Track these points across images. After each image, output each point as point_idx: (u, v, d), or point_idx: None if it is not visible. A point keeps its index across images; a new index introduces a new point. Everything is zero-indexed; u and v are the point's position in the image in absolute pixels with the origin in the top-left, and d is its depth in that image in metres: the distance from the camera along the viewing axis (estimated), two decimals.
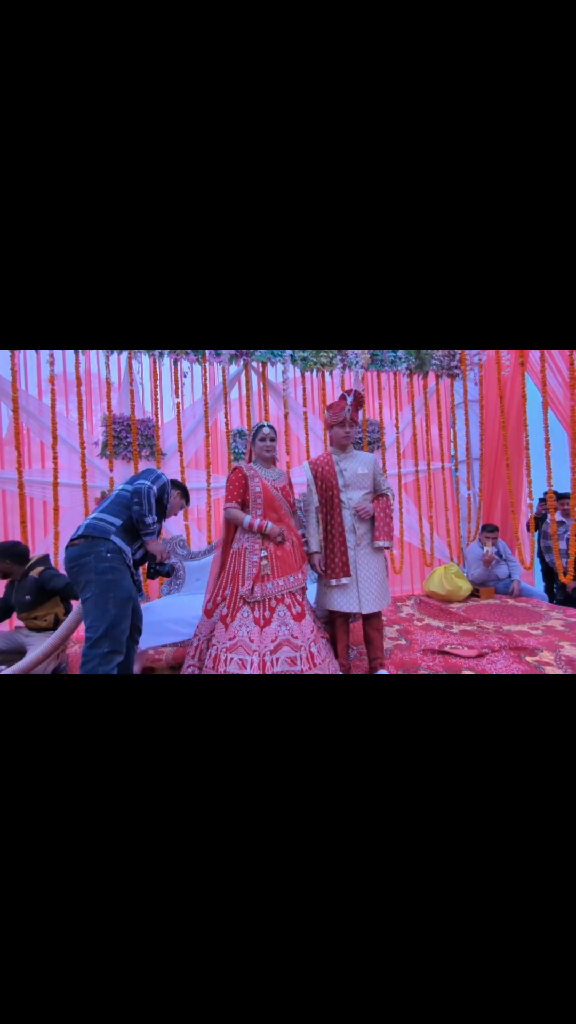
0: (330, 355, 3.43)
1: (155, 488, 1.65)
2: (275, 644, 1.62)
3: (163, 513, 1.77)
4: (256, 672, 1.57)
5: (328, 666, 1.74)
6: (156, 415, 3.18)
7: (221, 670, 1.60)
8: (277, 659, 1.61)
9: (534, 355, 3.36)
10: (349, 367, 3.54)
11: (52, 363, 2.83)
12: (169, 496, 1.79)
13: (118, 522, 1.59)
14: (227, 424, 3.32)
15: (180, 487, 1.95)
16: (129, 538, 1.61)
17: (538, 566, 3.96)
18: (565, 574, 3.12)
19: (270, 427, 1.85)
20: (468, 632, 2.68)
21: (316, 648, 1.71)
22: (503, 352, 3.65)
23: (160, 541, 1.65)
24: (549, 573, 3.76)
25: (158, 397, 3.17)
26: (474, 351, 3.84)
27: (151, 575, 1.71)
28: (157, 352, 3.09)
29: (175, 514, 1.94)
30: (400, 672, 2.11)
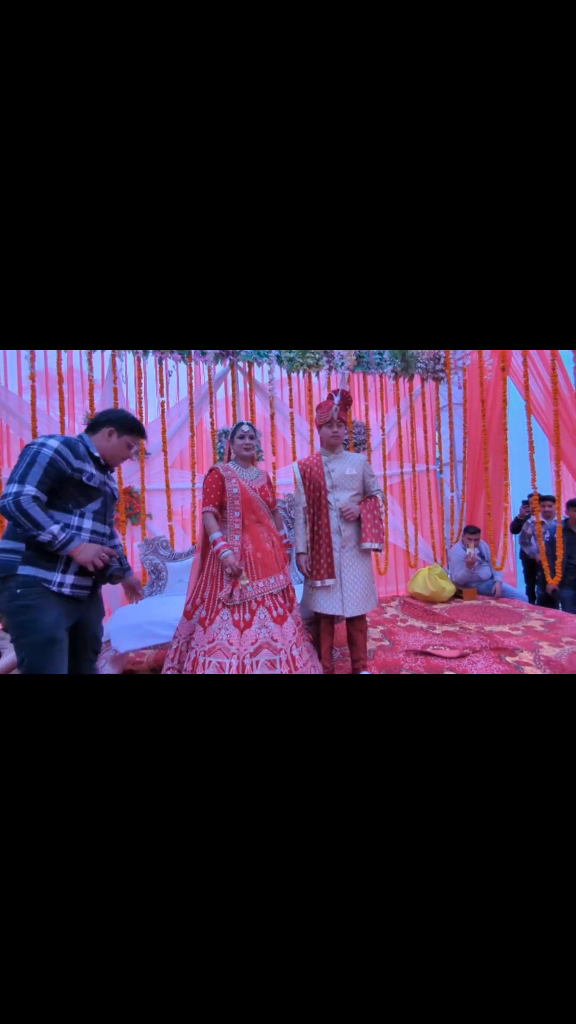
0: (316, 356, 3.44)
1: (27, 489, 1.14)
2: (255, 647, 1.61)
3: (83, 492, 1.26)
4: (239, 675, 1.55)
5: (309, 669, 1.73)
6: (140, 414, 3.13)
7: (199, 673, 1.58)
8: (257, 662, 1.59)
9: (516, 361, 3.42)
10: (335, 368, 3.55)
11: (32, 360, 2.76)
12: (71, 462, 1.22)
13: (22, 547, 1.20)
14: (212, 424, 3.29)
15: (114, 421, 1.34)
16: (49, 559, 1.20)
17: (520, 567, 4.03)
18: (553, 575, 3.18)
19: (249, 425, 1.83)
20: (450, 633, 2.71)
21: (298, 651, 1.70)
22: (485, 357, 3.71)
23: (86, 545, 1.21)
24: (531, 574, 3.83)
25: (142, 396, 3.12)
26: (459, 355, 3.90)
27: (100, 583, 1.33)
28: (141, 350, 3.05)
29: (128, 456, 1.39)
30: (382, 673, 2.12)
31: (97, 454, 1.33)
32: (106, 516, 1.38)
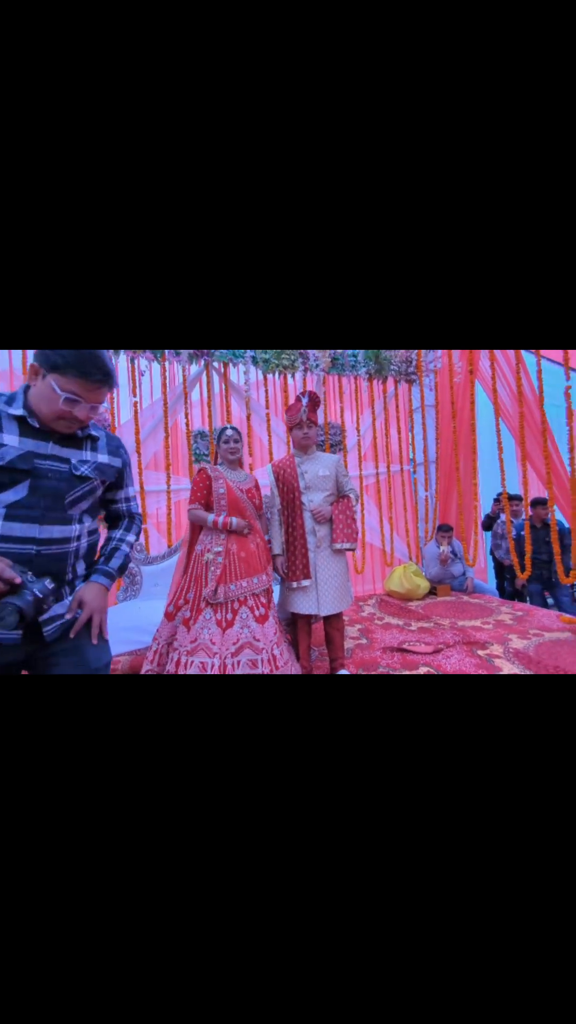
0: (292, 357, 3.46)
1: None
2: (237, 647, 1.61)
3: None
4: (217, 675, 1.55)
5: (290, 668, 1.74)
6: (112, 414, 3.06)
7: (181, 673, 1.56)
8: (238, 662, 1.59)
9: (484, 364, 3.55)
10: (311, 370, 3.58)
11: None
12: None
13: None
14: (188, 425, 3.25)
15: (38, 354, 0.86)
16: None
17: (490, 564, 4.18)
18: (523, 570, 3.31)
19: (233, 429, 1.84)
20: (425, 629, 2.78)
21: (279, 651, 1.71)
22: (455, 360, 3.83)
23: None
24: (500, 570, 3.98)
25: (114, 396, 3.05)
26: (430, 359, 4.00)
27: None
28: (112, 350, 2.98)
29: (64, 413, 0.86)
30: (360, 670, 2.15)
31: (20, 412, 0.87)
32: (45, 510, 0.88)
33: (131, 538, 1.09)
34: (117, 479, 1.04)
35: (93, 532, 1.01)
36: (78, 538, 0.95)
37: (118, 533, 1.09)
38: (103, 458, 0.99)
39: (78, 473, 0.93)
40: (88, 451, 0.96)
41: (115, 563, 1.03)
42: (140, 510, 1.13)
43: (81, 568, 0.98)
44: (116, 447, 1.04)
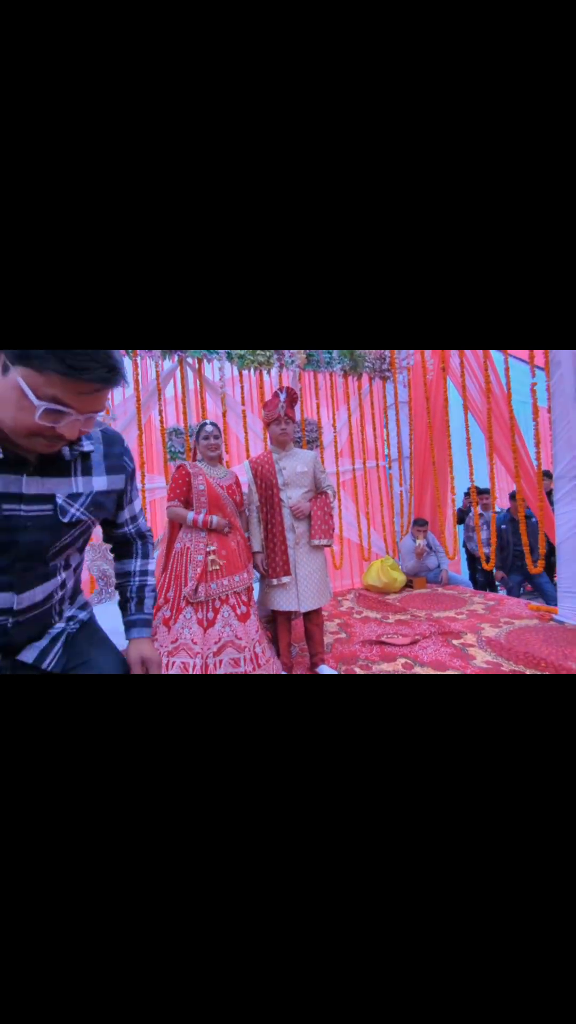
0: (267, 354, 3.44)
1: None
2: (218, 645, 1.60)
3: None
4: (199, 674, 1.53)
5: (272, 666, 1.75)
6: None
7: (163, 674, 1.54)
8: (220, 661, 1.58)
9: (454, 361, 3.64)
10: (286, 367, 3.58)
11: None
12: None
13: None
14: (162, 422, 3.19)
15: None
16: None
17: (463, 555, 4.32)
18: (488, 561, 3.43)
19: (213, 425, 1.82)
20: (402, 621, 2.84)
21: (260, 648, 1.72)
22: (427, 357, 3.91)
23: None
24: (472, 561, 4.12)
25: None
26: (403, 356, 4.07)
27: None
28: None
29: (32, 427, 0.58)
30: (340, 664, 2.18)
31: None
32: (22, 573, 0.66)
33: (152, 566, 0.91)
34: (119, 501, 0.80)
35: (78, 566, 0.81)
36: (63, 586, 0.74)
37: (136, 564, 0.89)
38: (100, 483, 0.72)
39: (67, 520, 0.67)
40: (79, 475, 0.69)
41: (149, 605, 0.89)
42: (148, 525, 0.92)
43: (68, 610, 0.79)
44: (118, 456, 0.75)
